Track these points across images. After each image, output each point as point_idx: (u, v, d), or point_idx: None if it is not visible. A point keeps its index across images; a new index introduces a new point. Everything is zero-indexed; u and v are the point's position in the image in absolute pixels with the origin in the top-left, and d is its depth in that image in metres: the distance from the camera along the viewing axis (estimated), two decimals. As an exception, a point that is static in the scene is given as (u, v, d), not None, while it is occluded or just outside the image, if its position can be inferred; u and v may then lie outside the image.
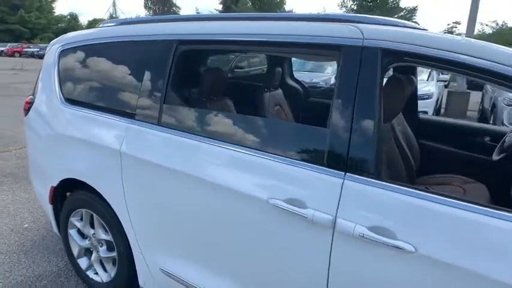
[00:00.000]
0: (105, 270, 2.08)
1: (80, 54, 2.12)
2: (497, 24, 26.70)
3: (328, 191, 1.22)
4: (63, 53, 2.21)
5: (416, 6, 27.35)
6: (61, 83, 2.16)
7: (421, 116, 2.70)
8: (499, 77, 1.07)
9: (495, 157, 2.03)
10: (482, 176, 2.10)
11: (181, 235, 1.64)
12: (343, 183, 1.21)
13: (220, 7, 32.95)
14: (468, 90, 9.47)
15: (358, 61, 1.25)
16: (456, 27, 29.50)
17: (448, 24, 33.32)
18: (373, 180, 1.18)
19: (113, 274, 2.02)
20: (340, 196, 1.20)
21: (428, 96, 6.90)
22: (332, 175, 1.23)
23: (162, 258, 1.71)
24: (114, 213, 1.84)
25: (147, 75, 1.75)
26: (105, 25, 2.21)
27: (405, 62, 1.28)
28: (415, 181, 2.01)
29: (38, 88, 2.29)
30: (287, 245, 1.32)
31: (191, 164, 1.53)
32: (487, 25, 26.59)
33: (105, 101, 1.95)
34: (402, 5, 27.07)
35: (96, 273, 2.11)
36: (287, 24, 1.47)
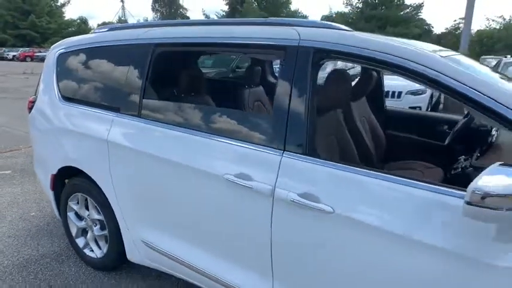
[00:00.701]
0: (99, 247, 2.36)
1: (76, 57, 2.42)
2: (504, 19, 26.45)
3: (269, 166, 1.48)
4: (61, 56, 2.50)
5: (422, 3, 27.25)
6: (59, 83, 2.45)
7: (389, 108, 2.92)
8: (393, 66, 1.31)
9: (446, 142, 2.26)
10: (440, 160, 2.31)
11: (155, 209, 1.92)
12: (281, 160, 1.46)
13: (226, 8, 33.31)
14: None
15: (295, 59, 1.50)
16: (462, 22, 29.26)
17: (455, 21, 33.10)
18: (303, 156, 1.42)
19: (105, 250, 2.31)
20: (278, 170, 1.46)
21: (422, 92, 7.06)
22: (273, 153, 1.49)
23: (143, 231, 1.99)
24: (104, 195, 2.12)
25: (129, 74, 2.03)
26: (99, 31, 2.49)
27: (333, 59, 1.53)
28: (374, 164, 2.24)
29: (40, 88, 2.59)
30: (240, 212, 1.57)
31: (162, 149, 1.80)
32: (493, 20, 26.36)
33: (96, 97, 2.23)
34: (408, 1, 26.98)
35: (92, 251, 2.40)
36: (241, 28, 1.73)
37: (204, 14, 35.16)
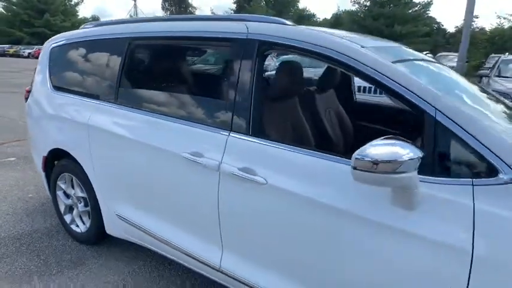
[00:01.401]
0: (83, 222, 2.61)
1: (65, 51, 2.66)
2: (515, 17, 25.97)
3: (218, 145, 1.68)
4: (53, 49, 2.75)
5: (431, 1, 26.97)
6: (50, 74, 2.70)
7: (360, 101, 3.09)
8: (320, 56, 1.50)
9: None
10: None
11: (126, 185, 2.15)
12: (227, 139, 1.66)
13: (234, 6, 33.52)
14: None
15: (243, 50, 1.69)
16: (474, 20, 28.86)
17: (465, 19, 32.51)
18: (246, 136, 1.62)
19: (88, 225, 2.55)
20: (225, 148, 1.66)
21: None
22: (221, 134, 1.69)
23: (117, 206, 2.22)
24: (86, 174, 2.36)
25: (108, 65, 2.26)
26: (86, 27, 2.73)
27: (275, 50, 1.72)
28: (337, 150, 2.40)
29: (35, 79, 2.85)
30: (194, 185, 1.78)
31: (132, 131, 2.03)
32: (504, 18, 25.92)
33: (81, 87, 2.47)
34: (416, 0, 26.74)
35: (77, 226, 2.64)
36: (200, 23, 1.93)
37: (212, 13, 35.45)
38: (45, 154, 2.66)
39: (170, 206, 1.96)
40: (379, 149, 1.11)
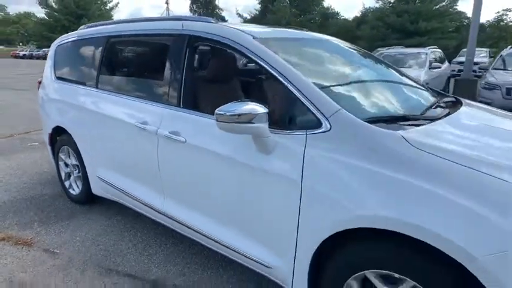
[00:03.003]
0: (77, 186, 3.23)
1: (65, 48, 3.31)
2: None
3: (158, 115, 2.21)
4: (58, 47, 3.41)
5: (459, -5, 26.11)
6: (54, 67, 3.36)
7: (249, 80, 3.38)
8: (225, 46, 1.98)
9: None
10: None
11: (102, 151, 2.73)
12: (164, 111, 2.19)
13: (259, 7, 34.11)
14: (475, 78, 9.54)
15: (177, 43, 2.21)
16: (507, 14, 27.70)
17: (497, 12, 31.26)
18: (177, 108, 2.14)
19: (80, 187, 3.17)
20: (162, 117, 2.18)
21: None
22: (160, 107, 2.22)
23: (98, 170, 2.81)
24: (76, 145, 2.97)
25: (93, 58, 2.86)
26: (82, 28, 3.35)
27: (200, 42, 2.21)
28: None
29: (44, 72, 3.52)
30: (144, 147, 2.31)
31: (105, 108, 2.61)
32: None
33: (74, 76, 3.10)
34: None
35: (73, 189, 3.27)
36: (151, 23, 2.47)
37: (237, 14, 36.25)
38: (50, 131, 3.31)
39: (129, 164, 2.52)
40: (238, 105, 1.59)
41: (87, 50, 3.00)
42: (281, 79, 1.72)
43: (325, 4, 33.73)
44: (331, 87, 1.84)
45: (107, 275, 2.29)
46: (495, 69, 6.98)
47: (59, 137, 3.31)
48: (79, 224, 2.92)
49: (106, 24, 3.00)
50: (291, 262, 1.68)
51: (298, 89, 1.66)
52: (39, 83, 3.60)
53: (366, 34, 28.50)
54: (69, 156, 3.24)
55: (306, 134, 1.60)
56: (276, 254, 1.76)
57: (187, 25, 2.22)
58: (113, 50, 2.79)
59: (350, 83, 2.06)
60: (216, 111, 1.62)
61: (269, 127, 1.63)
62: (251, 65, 2.84)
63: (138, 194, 2.49)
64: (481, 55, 16.46)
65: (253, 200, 1.78)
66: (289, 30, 2.57)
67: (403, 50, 9.97)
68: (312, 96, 1.63)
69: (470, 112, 2.11)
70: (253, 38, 1.95)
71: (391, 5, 27.44)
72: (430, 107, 2.07)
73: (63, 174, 3.38)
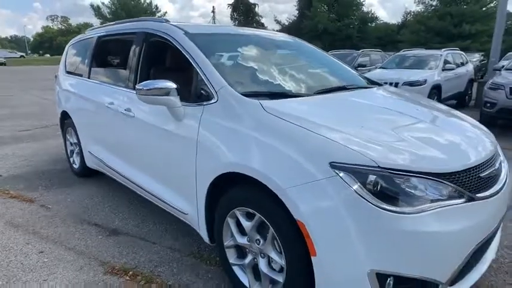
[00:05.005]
0: (78, 161, 3.90)
1: (74, 47, 4.03)
2: None
3: (121, 96, 2.76)
4: (69, 47, 4.15)
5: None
6: (66, 63, 4.09)
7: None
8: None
9: None
10: None
11: (89, 129, 3.35)
12: (124, 93, 2.74)
13: (296, 13, 34.50)
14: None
15: (138, 39, 2.76)
16: None
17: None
18: (132, 90, 2.67)
19: (78, 162, 3.83)
20: (123, 98, 2.74)
21: (420, 83, 7.37)
22: (122, 90, 2.78)
23: (89, 146, 3.45)
24: (75, 125, 3.64)
25: (87, 54, 3.52)
26: (88, 30, 4.05)
27: (153, 39, 2.72)
28: None
29: (59, 68, 4.27)
30: (113, 123, 2.87)
31: (92, 94, 3.23)
32: None
33: (76, 69, 3.78)
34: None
35: (75, 164, 3.95)
36: (123, 25, 3.05)
37: (275, 20, 36.91)
38: (59, 116, 4.03)
39: (104, 138, 3.11)
40: (154, 82, 2.07)
41: (86, 48, 3.67)
42: (193, 64, 2.19)
43: (365, 9, 33.28)
44: (231, 70, 2.28)
45: (80, 223, 2.88)
46: (507, 69, 6.80)
47: (66, 121, 4.01)
48: (73, 190, 3.57)
49: (101, 27, 3.65)
50: (196, 207, 2.13)
51: (203, 71, 2.11)
52: (56, 77, 4.36)
53: (406, 38, 27.75)
54: (72, 136, 3.92)
55: (204, 105, 2.05)
56: (188, 202, 2.21)
57: (145, 24, 2.76)
58: (100, 47, 3.42)
59: (250, 67, 2.46)
60: (137, 86, 2.13)
61: (183, 101, 2.10)
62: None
63: (111, 163, 3.06)
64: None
65: (170, 158, 2.26)
66: (232, 27, 3.03)
67: (420, 51, 10.06)
68: (210, 76, 2.08)
69: (365, 94, 2.47)
70: (185, 33, 2.43)
71: (433, 7, 26.53)
72: (329, 89, 2.41)
73: (68, 152, 4.08)
